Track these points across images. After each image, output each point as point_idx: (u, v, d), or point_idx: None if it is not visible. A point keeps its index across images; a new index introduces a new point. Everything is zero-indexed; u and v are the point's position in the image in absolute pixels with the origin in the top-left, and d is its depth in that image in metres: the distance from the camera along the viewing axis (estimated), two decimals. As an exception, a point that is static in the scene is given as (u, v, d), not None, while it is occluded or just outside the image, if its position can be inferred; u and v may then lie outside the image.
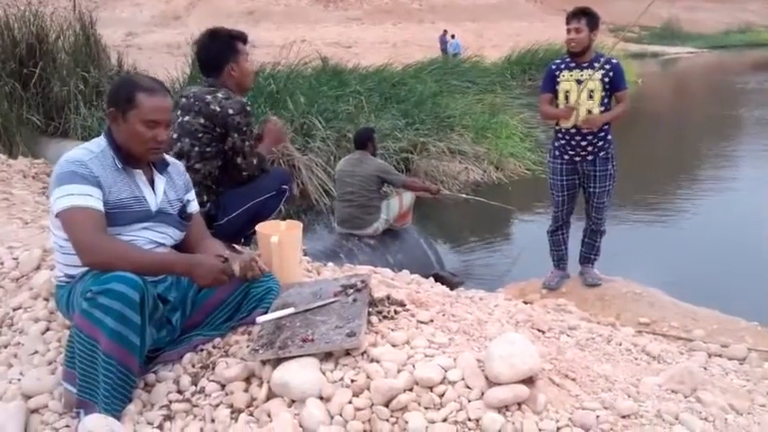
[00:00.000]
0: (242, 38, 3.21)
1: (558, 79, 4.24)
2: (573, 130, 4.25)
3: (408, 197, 5.39)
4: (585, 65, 4.18)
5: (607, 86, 4.17)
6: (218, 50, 3.15)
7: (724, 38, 45.64)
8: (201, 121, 3.01)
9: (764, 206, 7.40)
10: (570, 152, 4.30)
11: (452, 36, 24.12)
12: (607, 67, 4.16)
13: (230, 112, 3.01)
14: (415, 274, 3.99)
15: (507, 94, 13.97)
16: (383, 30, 31.12)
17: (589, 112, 4.19)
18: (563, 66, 4.26)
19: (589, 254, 4.64)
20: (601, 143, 4.25)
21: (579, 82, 4.17)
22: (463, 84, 14.10)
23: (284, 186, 3.29)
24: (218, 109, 3.00)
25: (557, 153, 4.39)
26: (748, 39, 44.57)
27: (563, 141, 4.32)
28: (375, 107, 9.83)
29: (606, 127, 4.27)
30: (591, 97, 4.17)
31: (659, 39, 43.42)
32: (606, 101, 4.21)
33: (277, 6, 32.24)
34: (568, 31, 4.15)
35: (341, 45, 25.25)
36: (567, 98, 4.23)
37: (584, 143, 4.24)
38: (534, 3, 43.47)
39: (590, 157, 4.28)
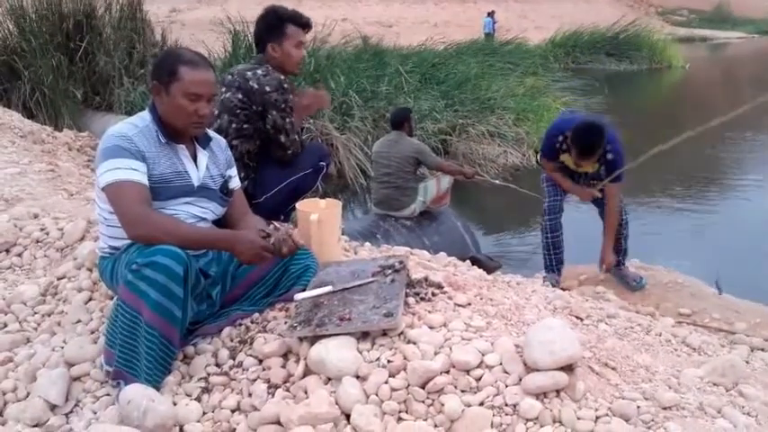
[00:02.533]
0: (296, 21, 3.12)
1: (561, 158, 4.15)
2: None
3: (446, 180, 5.35)
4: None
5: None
6: (264, 27, 3.14)
7: (776, 24, 44.14)
8: (240, 96, 3.01)
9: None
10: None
11: (489, 13, 23.16)
12: (603, 161, 4.03)
13: (267, 89, 3.00)
14: (452, 257, 3.96)
15: (549, 77, 13.79)
16: (424, 9, 30.75)
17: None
18: (565, 147, 4.08)
19: (617, 254, 4.38)
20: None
21: (578, 165, 4.09)
22: (505, 65, 13.90)
23: (322, 163, 3.27)
24: (255, 86, 3.00)
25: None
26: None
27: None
28: (414, 88, 9.78)
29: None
30: (586, 177, 4.22)
31: (708, 23, 42.20)
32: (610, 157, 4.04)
33: (319, -16, 32.14)
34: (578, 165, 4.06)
35: (382, 24, 25.08)
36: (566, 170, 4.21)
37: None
38: (579, -16, 42.52)
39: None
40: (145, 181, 2.08)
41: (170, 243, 1.94)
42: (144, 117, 2.21)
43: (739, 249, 5.63)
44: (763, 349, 3.35)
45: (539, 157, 4.39)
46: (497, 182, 6.25)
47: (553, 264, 4.35)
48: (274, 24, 3.11)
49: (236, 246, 2.10)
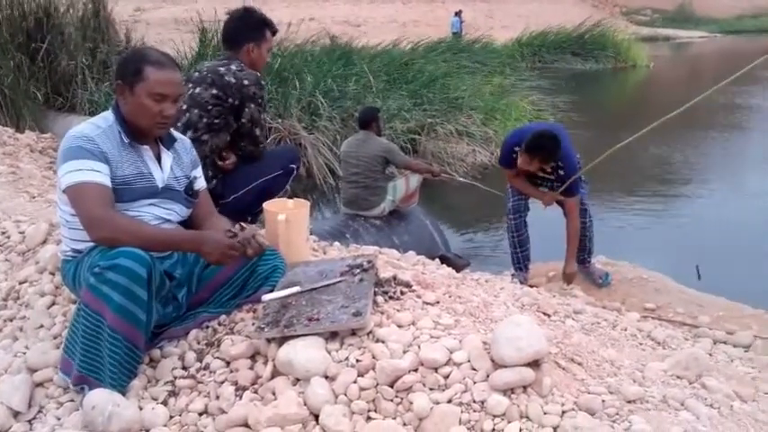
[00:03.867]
0: (272, 28, 3.23)
1: (518, 163, 4.16)
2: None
3: (414, 179, 5.36)
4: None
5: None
6: (246, 27, 3.16)
7: (737, 23, 45.10)
8: (213, 92, 3.01)
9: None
10: None
11: (456, 13, 23.13)
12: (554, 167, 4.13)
13: (245, 82, 3.02)
14: (421, 256, 3.98)
15: (517, 76, 13.90)
16: (393, 8, 30.78)
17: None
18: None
19: (584, 254, 4.49)
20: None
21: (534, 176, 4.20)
22: (473, 65, 13.99)
23: (292, 165, 3.28)
24: (233, 80, 3.00)
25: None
26: (762, 24, 43.97)
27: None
28: (383, 87, 9.77)
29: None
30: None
31: (671, 22, 42.94)
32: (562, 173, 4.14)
33: (286, -17, 31.95)
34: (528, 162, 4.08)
35: (350, 24, 25.04)
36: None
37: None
38: (545, -16, 42.96)
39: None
40: (107, 182, 2.04)
41: (134, 245, 1.91)
42: (107, 117, 2.17)
43: (701, 245, 5.75)
44: (725, 342, 3.43)
45: (504, 171, 4.46)
46: (463, 180, 6.30)
47: (520, 261, 4.41)
48: (257, 27, 3.16)
49: (202, 246, 2.08)
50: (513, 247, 4.41)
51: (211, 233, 2.17)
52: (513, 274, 4.33)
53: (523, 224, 4.37)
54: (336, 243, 3.72)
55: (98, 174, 2.03)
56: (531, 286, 4.04)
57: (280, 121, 8.10)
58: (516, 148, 4.14)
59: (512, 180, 4.34)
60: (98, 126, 2.13)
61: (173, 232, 2.18)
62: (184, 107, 3.03)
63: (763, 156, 9.43)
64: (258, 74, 3.11)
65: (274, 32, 3.25)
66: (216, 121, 3.03)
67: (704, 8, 46.83)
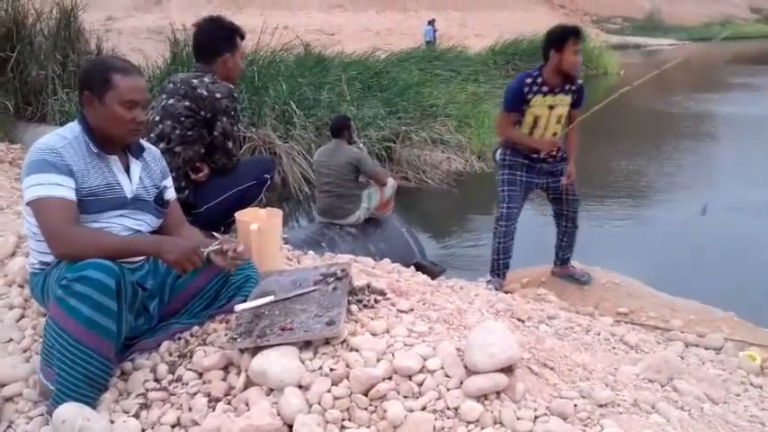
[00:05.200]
0: (241, 34, 3.20)
1: (531, 103, 3.99)
2: (534, 154, 4.15)
3: (389, 186, 5.37)
4: (558, 89, 4.01)
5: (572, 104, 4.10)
6: (218, 38, 3.13)
7: (705, 30, 45.96)
8: (186, 104, 3.00)
9: (742, 199, 7.48)
10: (532, 155, 4.17)
11: (429, 22, 23.15)
12: (574, 89, 4.06)
13: (218, 95, 3.00)
14: (397, 263, 3.98)
15: (490, 84, 14.00)
16: (366, 17, 30.89)
17: (554, 134, 4.12)
18: (536, 89, 3.98)
19: (568, 254, 4.52)
20: (560, 160, 4.21)
21: (551, 107, 4.01)
22: (446, 73, 14.08)
23: (266, 175, 3.28)
24: (205, 93, 2.99)
25: (515, 151, 4.18)
26: (728, 31, 44.87)
27: (519, 158, 4.17)
28: (357, 95, 9.79)
29: (562, 146, 4.17)
30: (559, 122, 4.08)
31: (641, 30, 43.68)
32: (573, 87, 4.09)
33: (259, -8, 31.91)
34: (576, 52, 3.90)
35: (324, 32, 25.04)
36: (535, 122, 4.05)
37: (544, 164, 4.19)
38: (518, -7, 43.44)
39: (550, 159, 4.20)
40: (70, 196, 2.02)
41: (96, 256, 1.89)
42: (73, 128, 2.14)
43: (672, 249, 5.83)
44: (697, 345, 3.47)
45: (500, 112, 4.24)
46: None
47: (500, 268, 4.37)
48: (228, 36, 3.13)
49: (161, 247, 2.04)
50: (497, 254, 4.32)
51: (173, 237, 2.18)
52: (488, 280, 4.32)
53: (512, 232, 4.28)
54: (311, 252, 3.71)
55: (60, 187, 2.00)
56: (506, 292, 4.06)
57: (254, 130, 8.07)
58: (528, 81, 3.99)
59: (508, 131, 4.14)
60: (64, 137, 2.10)
61: (132, 238, 2.15)
62: (157, 118, 3.01)
63: (733, 164, 9.60)
64: (231, 86, 3.09)
65: (242, 37, 3.22)
66: (189, 132, 3.02)
67: (673, 16, 47.76)
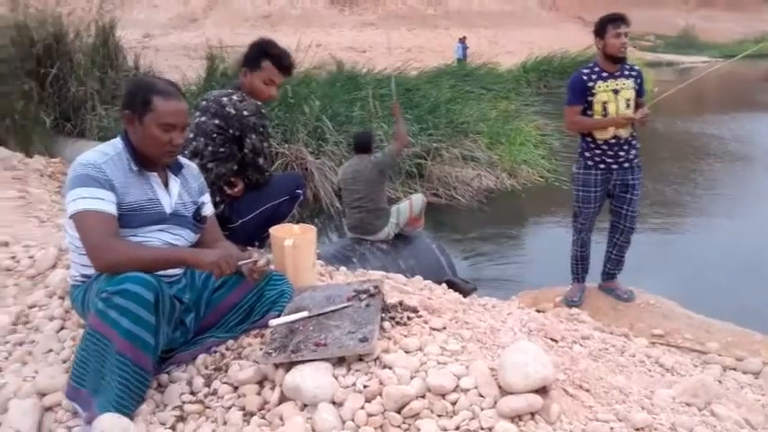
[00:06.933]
0: (276, 61, 3.14)
1: (594, 91, 4.10)
2: (612, 140, 4.14)
3: (418, 201, 5.37)
4: (618, 73, 4.11)
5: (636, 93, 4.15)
6: (247, 54, 3.18)
7: (739, 48, 45.27)
8: (216, 122, 3.05)
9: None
10: (608, 161, 4.18)
11: (460, 39, 23.34)
12: (634, 74, 4.16)
13: (245, 113, 3.04)
14: (428, 281, 3.98)
15: (522, 101, 13.96)
16: (398, 35, 31.12)
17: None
18: (595, 77, 4.12)
19: (615, 269, 4.52)
20: (634, 151, 4.21)
21: (616, 92, 4.08)
22: (477, 90, 14.07)
23: (298, 191, 3.32)
24: (232, 111, 3.04)
25: (590, 164, 4.24)
26: (764, 49, 44.17)
27: (599, 152, 4.19)
28: (388, 112, 9.84)
29: (635, 134, 4.21)
30: (628, 106, 4.11)
31: (674, 48, 43.18)
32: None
33: (293, 10, 32.37)
34: (618, 35, 4.02)
35: (355, 50, 25.30)
36: (605, 109, 4.11)
37: (622, 152, 4.16)
38: (549, 11, 43.38)
39: (627, 165, 4.19)
40: (111, 210, 2.07)
41: (135, 269, 1.94)
42: (116, 145, 2.20)
43: (709, 271, 5.72)
44: (735, 369, 3.40)
45: (566, 108, 4.29)
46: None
47: (579, 273, 4.58)
48: (254, 56, 3.16)
49: (198, 254, 2.10)
50: (576, 260, 4.55)
51: (208, 249, 2.22)
52: (573, 286, 4.59)
53: (589, 240, 4.48)
54: (343, 268, 3.72)
55: (102, 201, 2.06)
56: (538, 311, 4.02)
57: (286, 146, 8.15)
58: (586, 71, 4.16)
59: (577, 121, 4.21)
60: (106, 153, 2.16)
61: (170, 250, 2.20)
62: (191, 135, 3.06)
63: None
64: (259, 103, 3.11)
65: (282, 68, 3.17)
66: (221, 150, 3.07)
67: (707, 34, 47.13)
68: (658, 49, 42.32)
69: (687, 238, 7.11)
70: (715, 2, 51.74)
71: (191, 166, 2.46)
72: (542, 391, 1.80)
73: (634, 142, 4.21)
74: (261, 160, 3.15)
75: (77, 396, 1.97)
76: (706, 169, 10.38)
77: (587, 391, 2.06)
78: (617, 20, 4.06)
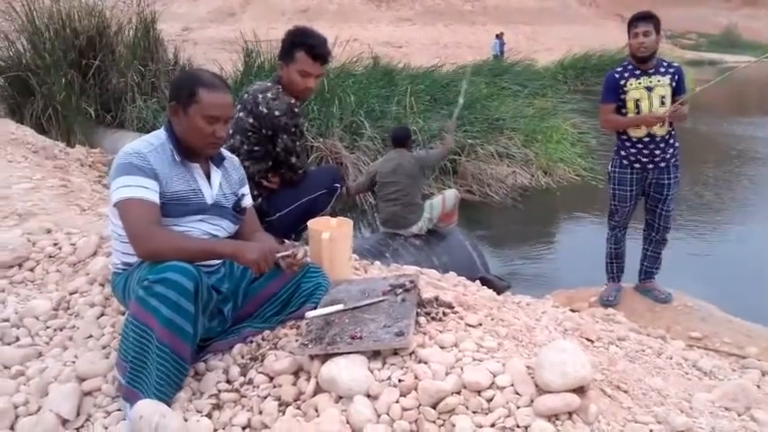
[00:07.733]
0: (309, 50, 3.00)
1: (626, 88, 4.09)
2: (646, 139, 4.10)
3: (451, 197, 5.35)
4: (651, 71, 4.07)
5: (673, 91, 4.08)
6: (282, 45, 3.11)
7: (783, 47, 44.11)
8: (251, 120, 3.03)
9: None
10: (643, 160, 4.14)
11: (497, 35, 23.15)
12: (671, 71, 4.10)
13: (276, 113, 2.99)
14: (462, 277, 3.96)
15: (559, 99, 13.81)
16: (434, 30, 30.99)
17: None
18: (627, 74, 4.11)
19: (653, 267, 4.48)
20: (672, 150, 4.15)
21: (649, 89, 4.05)
22: (514, 86, 13.95)
23: (336, 184, 3.30)
24: (264, 111, 3.00)
25: (625, 162, 4.22)
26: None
27: (634, 150, 4.16)
28: (424, 108, 9.81)
29: (674, 132, 4.15)
30: (663, 103, 4.06)
31: (717, 46, 42.29)
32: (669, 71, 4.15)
33: (330, 5, 32.42)
34: (636, 35, 4.00)
35: (392, 45, 25.28)
36: (637, 107, 4.08)
37: (657, 151, 4.11)
38: (588, 7, 42.77)
39: (662, 164, 4.15)
40: (155, 199, 2.10)
41: (177, 258, 1.96)
42: (160, 135, 2.23)
43: (749, 274, 5.60)
44: (775, 374, 3.32)
45: (600, 105, 4.28)
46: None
47: (614, 272, 4.57)
48: (287, 47, 3.08)
49: (240, 248, 2.12)
50: (610, 258, 4.55)
51: (250, 242, 2.23)
52: (608, 285, 4.59)
53: (624, 237, 4.48)
54: (377, 262, 3.73)
55: (146, 190, 2.09)
56: (573, 311, 3.98)
57: (321, 140, 8.19)
58: (619, 69, 4.18)
59: (611, 118, 4.20)
60: (151, 143, 2.19)
61: (213, 242, 2.22)
62: (231, 131, 3.06)
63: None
64: (291, 101, 3.02)
65: (316, 56, 3.02)
66: (256, 148, 3.05)
67: (750, 33, 46.01)
68: (701, 48, 41.49)
69: (728, 241, 6.96)
70: (759, 0, 50.51)
71: (232, 158, 2.49)
72: (580, 390, 1.78)
73: (672, 141, 4.15)
74: (293, 159, 3.12)
75: (125, 372, 2.00)
76: (750, 174, 10.14)
77: (625, 392, 2.04)
78: (635, 20, 4.05)
